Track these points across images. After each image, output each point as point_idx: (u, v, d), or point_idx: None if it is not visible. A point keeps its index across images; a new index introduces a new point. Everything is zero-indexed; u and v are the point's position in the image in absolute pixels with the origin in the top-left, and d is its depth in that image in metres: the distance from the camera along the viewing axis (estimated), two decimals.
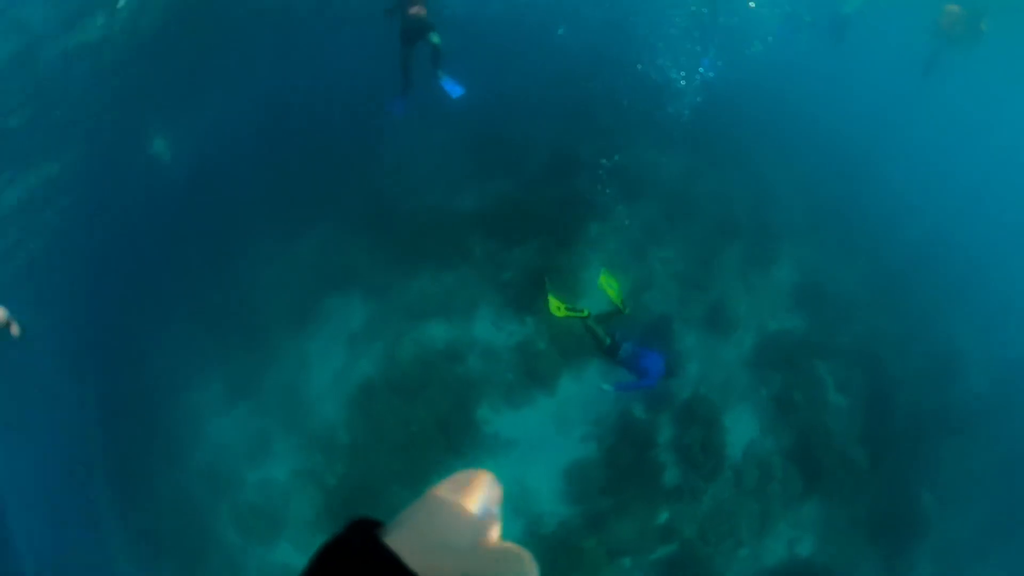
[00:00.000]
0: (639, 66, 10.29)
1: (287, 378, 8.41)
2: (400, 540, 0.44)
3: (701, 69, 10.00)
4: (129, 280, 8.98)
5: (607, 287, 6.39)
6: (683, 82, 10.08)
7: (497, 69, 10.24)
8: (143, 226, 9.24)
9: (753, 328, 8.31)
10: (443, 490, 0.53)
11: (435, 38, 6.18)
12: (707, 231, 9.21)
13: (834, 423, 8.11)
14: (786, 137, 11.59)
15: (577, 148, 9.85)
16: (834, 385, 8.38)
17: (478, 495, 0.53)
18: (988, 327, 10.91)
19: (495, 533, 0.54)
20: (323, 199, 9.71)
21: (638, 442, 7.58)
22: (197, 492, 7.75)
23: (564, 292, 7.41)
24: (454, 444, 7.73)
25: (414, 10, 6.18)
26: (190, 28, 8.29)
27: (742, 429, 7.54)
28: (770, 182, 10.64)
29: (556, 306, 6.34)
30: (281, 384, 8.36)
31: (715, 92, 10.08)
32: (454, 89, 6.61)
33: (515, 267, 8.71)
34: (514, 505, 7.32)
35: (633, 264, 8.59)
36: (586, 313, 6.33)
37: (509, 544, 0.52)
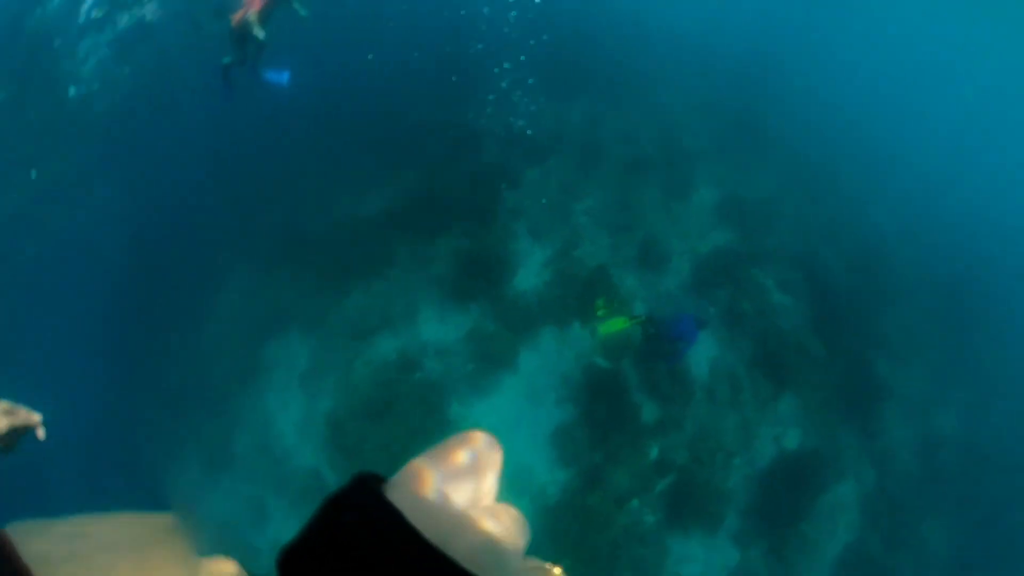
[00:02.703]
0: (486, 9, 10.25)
1: (257, 439, 7.98)
2: (401, 496, 0.45)
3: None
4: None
5: (609, 316, 6.83)
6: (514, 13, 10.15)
7: (360, 50, 10.05)
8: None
9: (687, 254, 8.45)
10: (445, 449, 0.53)
11: (259, 33, 6.04)
12: (621, 173, 9.27)
13: (784, 322, 8.40)
14: (674, 63, 11.84)
15: (473, 120, 9.69)
16: (776, 287, 8.66)
17: (477, 455, 0.54)
18: (904, 202, 11.62)
19: (492, 492, 0.55)
20: (229, 245, 9.21)
21: (610, 391, 7.57)
22: None
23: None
24: None
25: (236, 16, 6.15)
26: None
27: (702, 351, 7.66)
28: (671, 111, 10.84)
29: (613, 323, 6.70)
30: (253, 446, 7.92)
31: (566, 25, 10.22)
32: (279, 77, 6.60)
33: (443, 258, 8.47)
34: (515, 485, 7.18)
35: (558, 224, 8.53)
36: (642, 318, 6.67)
37: (504, 504, 0.53)
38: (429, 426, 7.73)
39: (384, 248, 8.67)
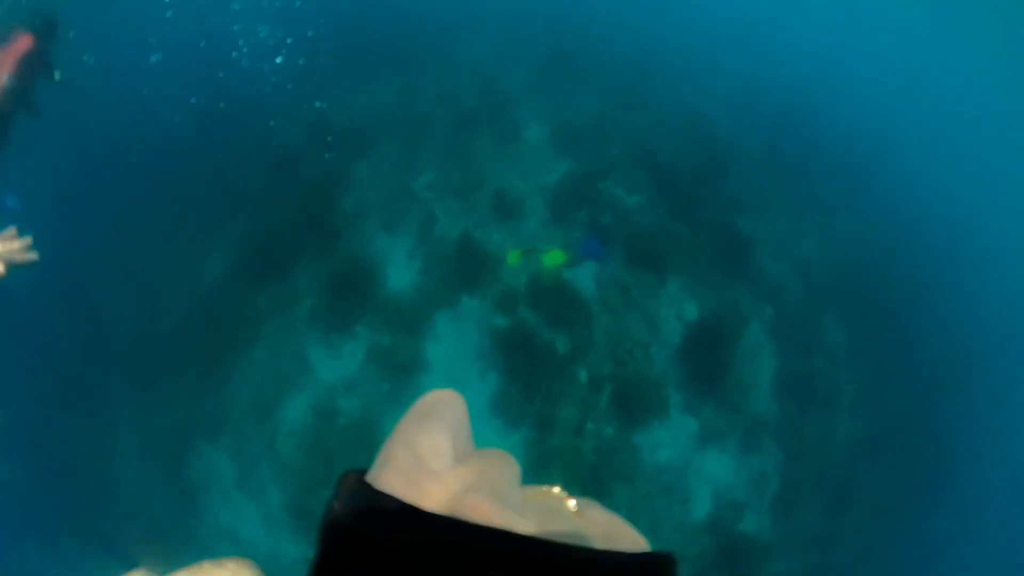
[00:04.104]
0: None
1: (227, 552, 7.13)
2: (387, 479, 0.44)
3: None
4: None
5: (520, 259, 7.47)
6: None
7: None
8: None
9: (536, 193, 8.66)
10: (410, 420, 0.53)
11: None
12: (451, 136, 9.20)
13: (644, 218, 8.97)
14: (472, 11, 11.89)
15: (275, 135, 9.12)
16: (626, 192, 9.19)
17: (444, 414, 0.53)
18: (717, 79, 12.72)
19: (470, 444, 0.55)
20: (99, 376, 8.07)
21: (520, 343, 7.66)
22: None
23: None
24: None
25: None
26: None
27: (581, 272, 7.95)
28: (482, 61, 10.92)
29: (518, 255, 7.45)
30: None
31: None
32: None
33: (306, 292, 7.90)
34: None
35: (407, 209, 8.31)
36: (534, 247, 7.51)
37: (485, 450, 0.54)
38: (374, 461, 7.35)
39: (243, 310, 7.92)
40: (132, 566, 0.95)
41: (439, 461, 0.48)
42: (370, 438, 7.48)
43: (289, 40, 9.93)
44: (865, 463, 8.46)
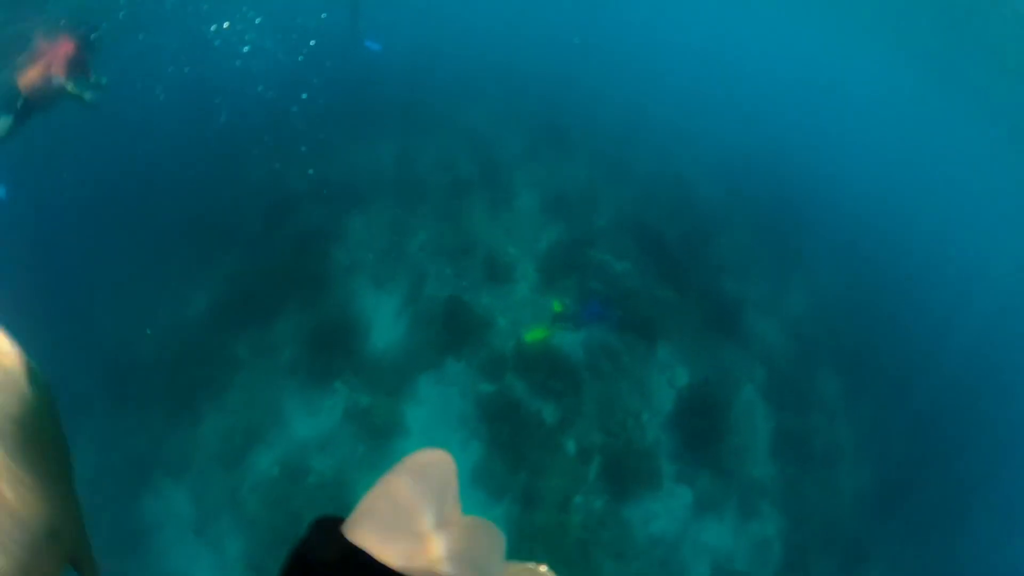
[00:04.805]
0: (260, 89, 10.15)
1: None
2: (364, 533, 0.42)
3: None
4: None
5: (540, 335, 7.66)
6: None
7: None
8: None
9: (529, 258, 8.80)
10: (398, 475, 0.50)
11: (86, 94, 4.82)
12: (446, 199, 9.45)
13: (633, 283, 9.11)
14: (471, 83, 12.61)
15: (277, 182, 9.27)
16: (614, 258, 9.40)
17: (433, 475, 0.51)
18: (703, 150, 13.48)
19: (456, 510, 0.53)
20: (64, 394, 7.53)
21: (505, 411, 7.41)
22: None
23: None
24: None
25: (28, 76, 4.72)
26: None
27: (570, 338, 7.91)
28: (478, 129, 11.47)
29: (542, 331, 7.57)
30: None
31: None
32: None
33: (288, 342, 7.71)
34: None
35: (398, 268, 8.32)
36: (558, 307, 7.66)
37: (472, 518, 0.53)
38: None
39: (222, 351, 7.67)
40: None
41: (422, 522, 0.46)
42: (341, 500, 7.04)
43: (303, 96, 10.37)
44: (877, 516, 8.15)
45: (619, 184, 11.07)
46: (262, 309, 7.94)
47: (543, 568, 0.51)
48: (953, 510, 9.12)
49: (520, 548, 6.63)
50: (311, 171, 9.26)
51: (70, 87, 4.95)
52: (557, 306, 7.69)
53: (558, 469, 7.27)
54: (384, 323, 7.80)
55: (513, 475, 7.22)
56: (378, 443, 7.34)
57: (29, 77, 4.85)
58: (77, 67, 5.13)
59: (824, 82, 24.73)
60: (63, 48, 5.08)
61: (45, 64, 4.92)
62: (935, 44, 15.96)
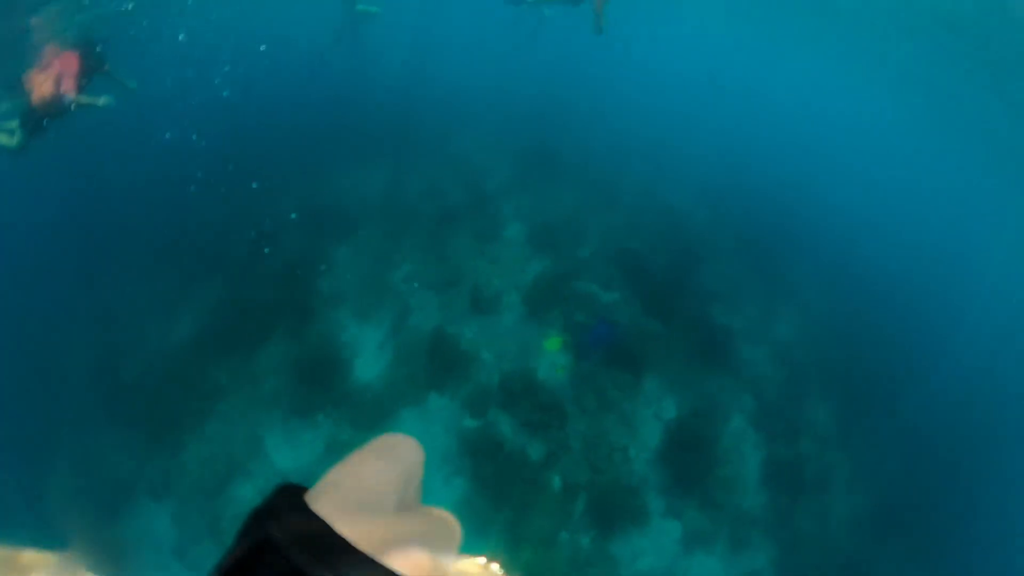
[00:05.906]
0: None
1: None
2: (327, 504, 0.43)
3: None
4: None
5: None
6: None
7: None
8: None
9: (513, 290, 8.82)
10: (366, 453, 0.51)
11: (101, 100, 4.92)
12: (433, 229, 9.49)
13: (621, 315, 9.11)
14: (462, 112, 12.81)
15: (264, 209, 9.33)
16: (601, 289, 9.41)
17: (401, 459, 0.52)
18: (680, 168, 13.66)
19: (418, 496, 0.55)
20: (47, 413, 7.51)
21: (489, 448, 7.32)
22: None
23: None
24: None
25: (40, 88, 4.83)
26: None
27: (555, 372, 7.85)
28: (468, 158, 11.61)
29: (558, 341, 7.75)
30: None
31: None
32: None
33: (271, 371, 7.64)
34: None
35: (385, 298, 8.32)
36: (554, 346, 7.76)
37: (432, 507, 0.52)
38: None
39: (206, 378, 7.60)
40: None
41: (384, 502, 0.46)
42: None
43: (294, 119, 10.47)
44: (872, 540, 8.04)
45: (606, 213, 11.18)
46: (246, 336, 7.88)
47: (495, 566, 0.52)
48: (950, 530, 9.00)
49: None
50: (297, 200, 9.32)
51: (82, 100, 5.07)
52: (553, 345, 7.67)
53: (543, 506, 7.17)
54: (368, 355, 7.76)
55: (497, 512, 7.11)
56: None
57: (40, 92, 4.96)
58: (85, 80, 5.26)
59: (811, 110, 25.31)
60: (71, 62, 5.19)
61: (55, 79, 5.02)
62: (917, 67, 16.37)
